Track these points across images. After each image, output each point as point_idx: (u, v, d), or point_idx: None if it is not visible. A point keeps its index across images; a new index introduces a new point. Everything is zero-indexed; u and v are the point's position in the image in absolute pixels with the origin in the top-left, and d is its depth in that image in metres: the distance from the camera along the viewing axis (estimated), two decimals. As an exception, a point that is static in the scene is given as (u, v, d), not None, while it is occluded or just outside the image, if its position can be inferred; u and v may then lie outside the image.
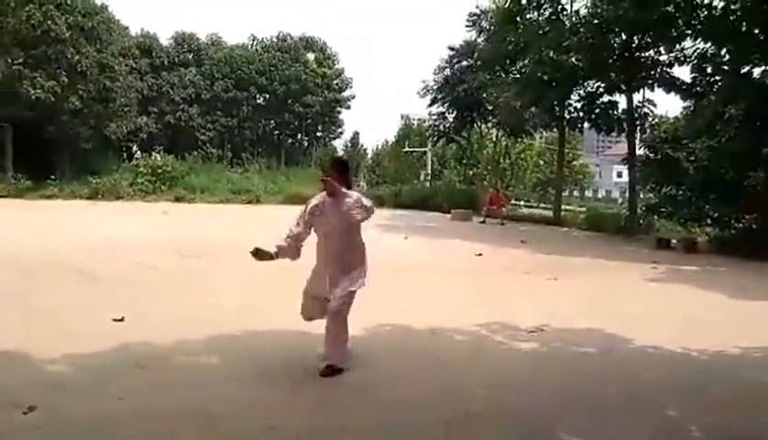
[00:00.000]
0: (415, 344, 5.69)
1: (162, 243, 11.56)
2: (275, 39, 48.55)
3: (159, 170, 27.34)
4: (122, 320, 5.90)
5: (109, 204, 22.87)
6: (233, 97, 45.18)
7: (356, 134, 64.39)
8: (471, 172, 37.88)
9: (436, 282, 9.27)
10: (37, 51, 26.50)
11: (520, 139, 34.61)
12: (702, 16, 17.14)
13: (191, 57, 45.27)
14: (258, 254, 4.57)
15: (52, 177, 26.13)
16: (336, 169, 4.70)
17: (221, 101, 44.96)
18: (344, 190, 4.50)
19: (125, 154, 36.50)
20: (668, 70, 19.91)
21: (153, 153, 31.85)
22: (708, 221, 17.62)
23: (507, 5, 22.64)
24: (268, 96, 47.13)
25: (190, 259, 10.00)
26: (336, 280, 4.61)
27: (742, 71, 16.34)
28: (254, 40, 48.75)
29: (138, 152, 40.21)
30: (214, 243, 11.82)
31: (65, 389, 4.13)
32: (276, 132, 50.33)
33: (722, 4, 16.28)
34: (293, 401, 4.11)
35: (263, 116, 47.91)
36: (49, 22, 26.00)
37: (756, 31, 15.51)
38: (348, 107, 50.86)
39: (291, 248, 4.64)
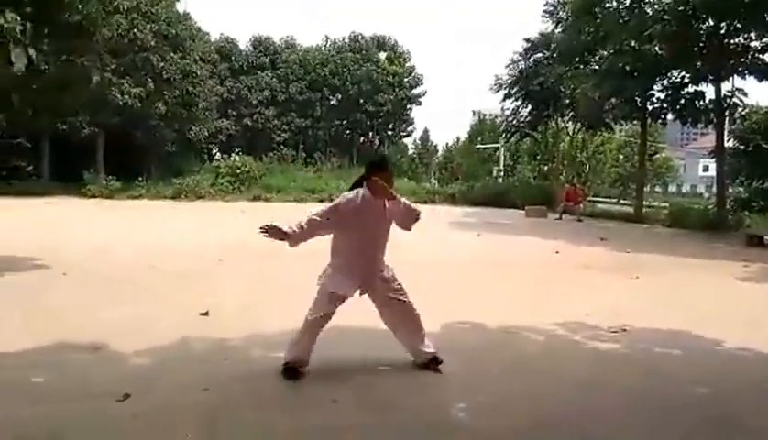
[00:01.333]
0: (489, 343, 5.61)
1: (240, 242, 11.95)
2: (347, 40, 49.25)
3: (238, 171, 28.35)
4: (207, 314, 6.14)
5: (191, 204, 23.93)
6: (307, 98, 46.21)
7: (427, 131, 64.37)
8: (546, 168, 36.98)
9: (510, 280, 9.11)
10: (124, 59, 28.01)
11: (598, 133, 33.46)
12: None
13: (267, 60, 46.63)
14: (270, 231, 4.25)
15: (140, 179, 27.65)
16: (378, 169, 4.39)
17: (295, 102, 46.08)
18: (392, 192, 4.29)
19: (206, 156, 38.08)
20: (760, 56, 18.67)
21: (232, 154, 33.08)
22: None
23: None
24: (340, 96, 47.88)
25: (265, 258, 10.28)
26: (371, 280, 4.45)
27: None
28: (327, 41, 49.65)
29: (218, 154, 41.90)
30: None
31: (156, 379, 4.34)
32: (348, 131, 51.04)
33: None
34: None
35: (335, 116, 48.73)
36: (136, 31, 27.43)
37: None
38: (419, 104, 50.93)
39: (300, 239, 4.32)
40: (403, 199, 4.37)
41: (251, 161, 30.25)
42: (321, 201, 26.71)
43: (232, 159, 30.99)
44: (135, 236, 13.15)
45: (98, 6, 8.97)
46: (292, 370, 4.36)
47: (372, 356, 4.85)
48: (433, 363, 4.59)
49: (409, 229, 4.52)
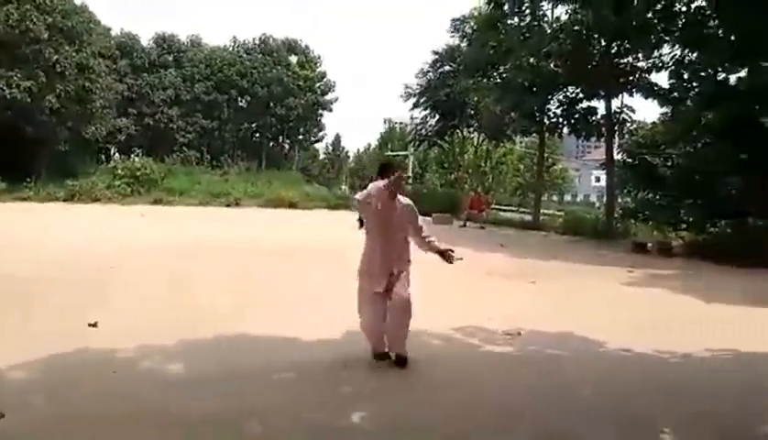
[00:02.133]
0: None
1: (138, 246, 11.44)
2: (257, 42, 48.40)
3: (138, 173, 27.11)
4: (95, 325, 5.81)
5: (85, 207, 22.60)
6: (213, 99, 44.91)
7: (338, 137, 64.57)
8: (453, 176, 38.05)
9: (414, 287, 9.25)
10: (14, 51, 26.11)
11: (501, 144, 34.85)
12: (680, 22, 17.41)
13: (171, 58, 44.92)
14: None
15: (28, 179, 25.73)
16: (388, 170, 5.03)
17: (201, 103, 44.66)
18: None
19: (103, 156, 36.05)
20: (646, 76, 20.18)
21: (132, 155, 31.57)
22: (684, 225, 17.84)
23: (489, 10, 22.88)
24: (249, 99, 46.90)
25: (160, 264, 9.89)
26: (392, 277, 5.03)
27: (719, 77, 16.60)
28: (235, 42, 48.55)
29: (117, 154, 39.84)
30: (191, 245, 11.71)
31: (36, 392, 4.05)
32: (257, 135, 50.11)
33: (699, 10, 16.57)
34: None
35: (244, 119, 47.70)
36: (28, 22, 25.64)
37: (732, 38, 15.77)
38: (331, 110, 50.85)
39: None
40: (420, 219, 5.32)
41: (151, 163, 29.00)
42: (227, 205, 26.10)
43: (131, 159, 29.59)
44: (19, 240, 12.21)
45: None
46: (380, 355, 4.97)
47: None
48: (399, 362, 4.95)
49: (425, 250, 5.43)
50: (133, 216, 19.07)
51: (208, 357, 5.11)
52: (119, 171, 27.28)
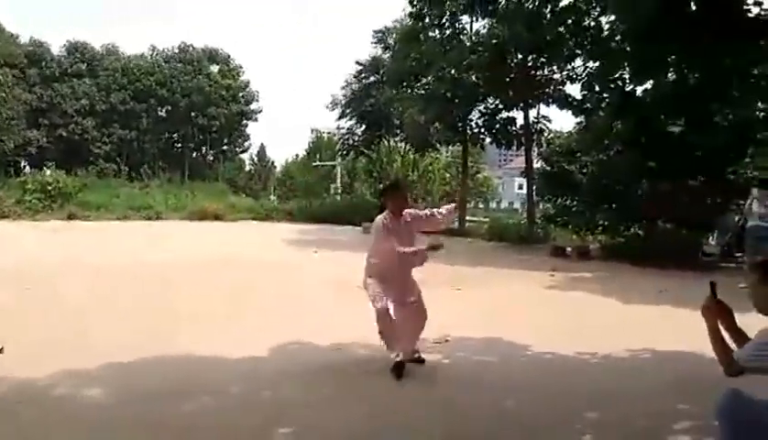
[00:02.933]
0: (319, 360, 5.65)
1: (48, 266, 10.83)
2: (176, 50, 47.13)
3: (50, 187, 25.65)
4: (1, 351, 5.44)
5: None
6: (131, 109, 43.36)
7: (263, 147, 63.56)
8: (381, 186, 38.22)
9: (342, 298, 9.23)
10: None
11: (426, 153, 35.39)
12: (589, 37, 18.33)
13: (84, 67, 43.02)
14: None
15: (-74, 195, 23.90)
16: (391, 192, 5.57)
17: (118, 113, 43.01)
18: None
19: (12, 170, 33.93)
20: (561, 87, 21.13)
21: (44, 168, 29.88)
22: (600, 229, 18.71)
23: (410, 23, 23.27)
24: (170, 108, 45.59)
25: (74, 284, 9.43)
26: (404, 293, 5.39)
27: (627, 89, 17.57)
28: (154, 51, 47.09)
29: (27, 168, 37.62)
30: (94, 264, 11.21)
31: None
32: (178, 145, 48.71)
33: (607, 26, 17.49)
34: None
35: (164, 129, 46.30)
36: None
37: (637, 51, 16.73)
38: (255, 120, 50.23)
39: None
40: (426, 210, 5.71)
41: (65, 176, 27.54)
42: (148, 218, 25.14)
43: (43, 173, 27.99)
44: None
45: None
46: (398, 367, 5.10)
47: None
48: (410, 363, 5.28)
49: (443, 226, 5.85)
50: (44, 233, 18.03)
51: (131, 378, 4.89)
52: (29, 186, 25.70)
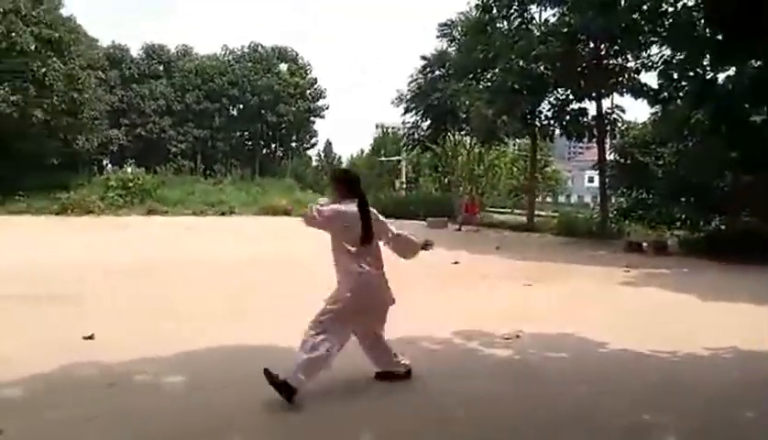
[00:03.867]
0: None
1: (130, 260, 11.39)
2: (247, 50, 48.37)
3: (131, 184, 26.99)
4: (92, 337, 5.76)
5: (78, 220, 22.47)
6: (205, 108, 44.86)
7: (329, 143, 64.57)
8: (446, 180, 38.08)
9: (412, 292, 9.20)
10: (0, 65, 25.99)
11: (493, 147, 34.95)
12: (667, 23, 17.54)
13: (161, 68, 44.87)
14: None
15: (20, 193, 25.56)
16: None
17: (192, 112, 44.60)
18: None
19: (95, 168, 35.85)
20: (636, 76, 20.31)
21: (124, 166, 31.45)
22: (678, 224, 17.94)
23: (477, 15, 22.98)
24: (240, 107, 46.90)
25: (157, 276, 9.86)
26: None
27: (707, 76, 16.73)
28: (226, 51, 48.52)
29: (109, 166, 39.69)
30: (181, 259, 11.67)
31: (35, 408, 4.01)
32: (249, 143, 50.07)
33: (686, 10, 16.70)
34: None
35: (236, 127, 47.65)
36: (14, 34, 25.52)
37: (719, 37, 15.91)
38: (322, 117, 50.86)
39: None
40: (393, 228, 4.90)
41: (144, 173, 28.89)
42: (221, 214, 26.06)
43: (123, 170, 29.47)
44: (10, 255, 12.13)
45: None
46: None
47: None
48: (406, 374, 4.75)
49: (406, 258, 4.99)
50: (118, 228, 18.97)
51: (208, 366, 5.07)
52: (112, 183, 27.14)
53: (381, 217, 4.80)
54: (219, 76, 45.35)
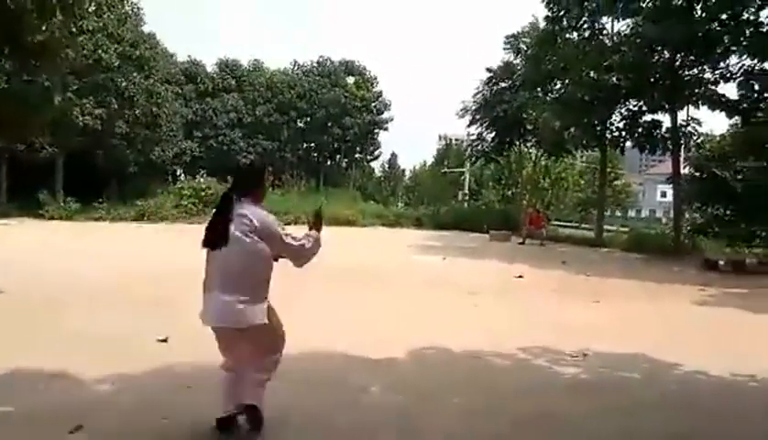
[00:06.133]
0: (457, 369, 5.64)
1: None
2: (315, 64, 49.52)
3: (203, 193, 27.99)
4: (166, 340, 6.01)
5: (155, 226, 23.52)
6: (273, 121, 46.19)
7: (394, 155, 64.91)
8: (510, 192, 37.57)
9: (475, 305, 9.19)
10: (87, 80, 27.62)
11: (560, 159, 34.24)
12: (748, 32, 16.79)
13: (233, 82, 46.54)
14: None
15: (100, 200, 27.05)
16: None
17: (262, 125, 46.01)
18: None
19: (170, 177, 37.45)
20: (713, 87, 19.45)
21: (197, 176, 32.72)
22: (758, 241, 17.04)
23: (546, 26, 22.69)
24: (308, 119, 47.98)
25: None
26: None
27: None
28: (295, 65, 49.83)
29: (183, 175, 41.40)
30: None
31: (111, 409, 4.23)
32: (315, 154, 51.08)
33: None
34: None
35: (303, 139, 48.75)
36: (100, 52, 27.12)
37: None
38: (386, 129, 51.33)
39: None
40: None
41: (215, 183, 29.94)
42: (287, 223, 26.65)
43: (196, 180, 30.64)
44: (98, 258, 12.85)
45: (63, 28, 8.87)
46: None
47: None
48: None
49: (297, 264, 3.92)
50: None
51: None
52: (185, 192, 28.24)
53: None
54: (288, 89, 46.63)
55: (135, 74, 29.45)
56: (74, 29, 24.34)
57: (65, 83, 26.67)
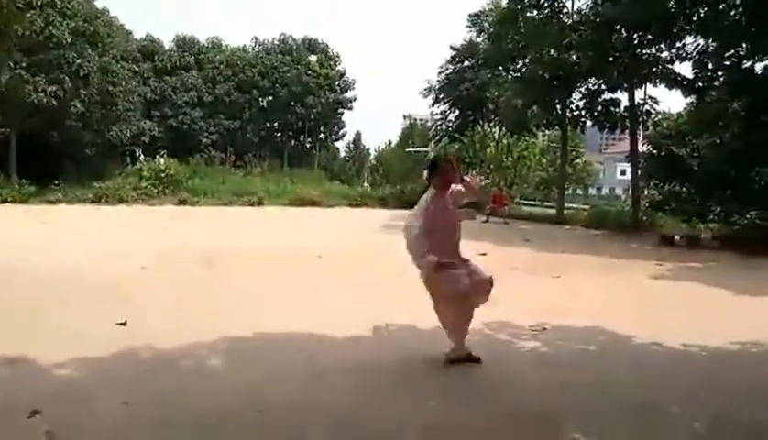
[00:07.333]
0: (419, 344, 5.70)
1: (165, 249, 11.60)
2: (277, 42, 48.72)
3: (163, 174, 27.38)
4: (125, 324, 5.91)
5: (113, 208, 22.95)
6: (235, 100, 45.41)
7: (359, 134, 64.61)
8: (474, 171, 37.83)
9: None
10: (38, 56, 26.60)
11: (522, 138, 34.59)
12: (702, 12, 17.13)
13: (192, 60, 45.49)
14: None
15: (56, 182, 26.20)
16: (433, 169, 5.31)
17: (223, 104, 45.20)
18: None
19: (128, 158, 36.54)
20: (669, 66, 19.87)
21: (156, 157, 31.98)
22: (713, 217, 17.56)
23: (508, 4, 22.75)
24: (271, 98, 47.29)
25: (192, 265, 10.03)
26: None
27: (744, 66, 16.30)
28: (255, 43, 48.95)
29: (142, 156, 40.44)
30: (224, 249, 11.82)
31: (70, 393, 4.15)
32: (278, 134, 50.51)
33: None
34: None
35: (266, 118, 48.10)
36: (51, 27, 26.11)
37: (755, 27, 15.48)
38: (351, 108, 51.07)
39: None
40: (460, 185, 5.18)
41: (176, 164, 29.33)
42: (251, 204, 26.33)
43: (156, 161, 29.95)
44: (53, 242, 12.49)
45: (10, 3, 8.48)
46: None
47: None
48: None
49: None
50: (160, 216, 19.31)
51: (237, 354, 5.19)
52: (145, 173, 27.58)
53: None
54: (249, 68, 45.82)
55: (89, 51, 28.46)
56: (21, 4, 23.39)
57: (14, 60, 25.64)
